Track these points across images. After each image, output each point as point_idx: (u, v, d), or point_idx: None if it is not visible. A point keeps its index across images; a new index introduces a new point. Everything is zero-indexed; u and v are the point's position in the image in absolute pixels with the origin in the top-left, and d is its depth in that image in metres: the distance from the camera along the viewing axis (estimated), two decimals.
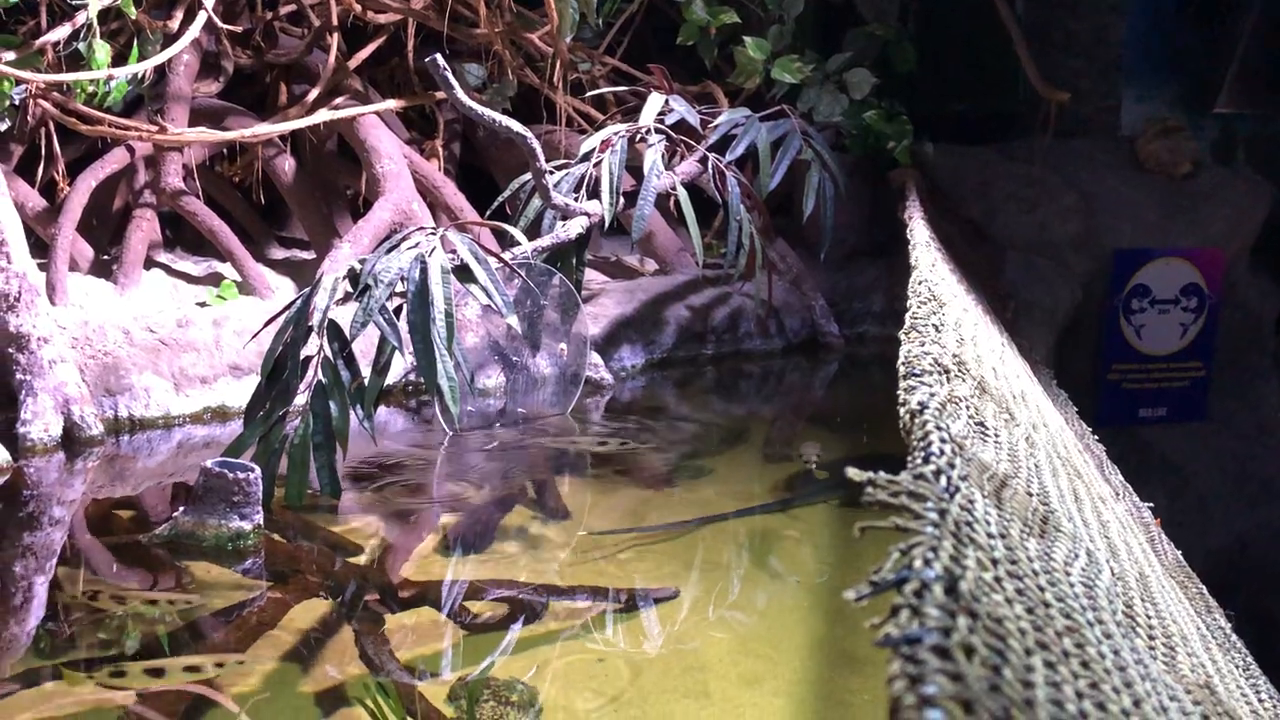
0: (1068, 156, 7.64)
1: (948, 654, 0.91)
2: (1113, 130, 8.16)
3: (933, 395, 1.70)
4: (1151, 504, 3.47)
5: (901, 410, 1.74)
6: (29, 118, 5.77)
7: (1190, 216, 7.41)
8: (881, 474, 1.32)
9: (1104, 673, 1.09)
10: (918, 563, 1.07)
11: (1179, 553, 2.98)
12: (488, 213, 5.65)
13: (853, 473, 1.36)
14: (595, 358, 5.94)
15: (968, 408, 1.86)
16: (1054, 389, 4.48)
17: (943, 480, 1.32)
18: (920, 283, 2.83)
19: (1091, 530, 1.83)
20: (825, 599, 3.65)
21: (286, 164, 6.48)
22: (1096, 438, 4.05)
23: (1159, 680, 1.32)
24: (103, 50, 5.38)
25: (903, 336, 2.28)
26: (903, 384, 1.85)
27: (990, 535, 1.27)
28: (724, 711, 2.96)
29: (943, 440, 1.45)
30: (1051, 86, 7.52)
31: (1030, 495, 1.63)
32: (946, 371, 1.99)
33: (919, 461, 1.41)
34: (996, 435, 1.81)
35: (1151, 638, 1.57)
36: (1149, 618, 1.66)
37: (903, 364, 1.97)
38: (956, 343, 2.30)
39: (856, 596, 1.08)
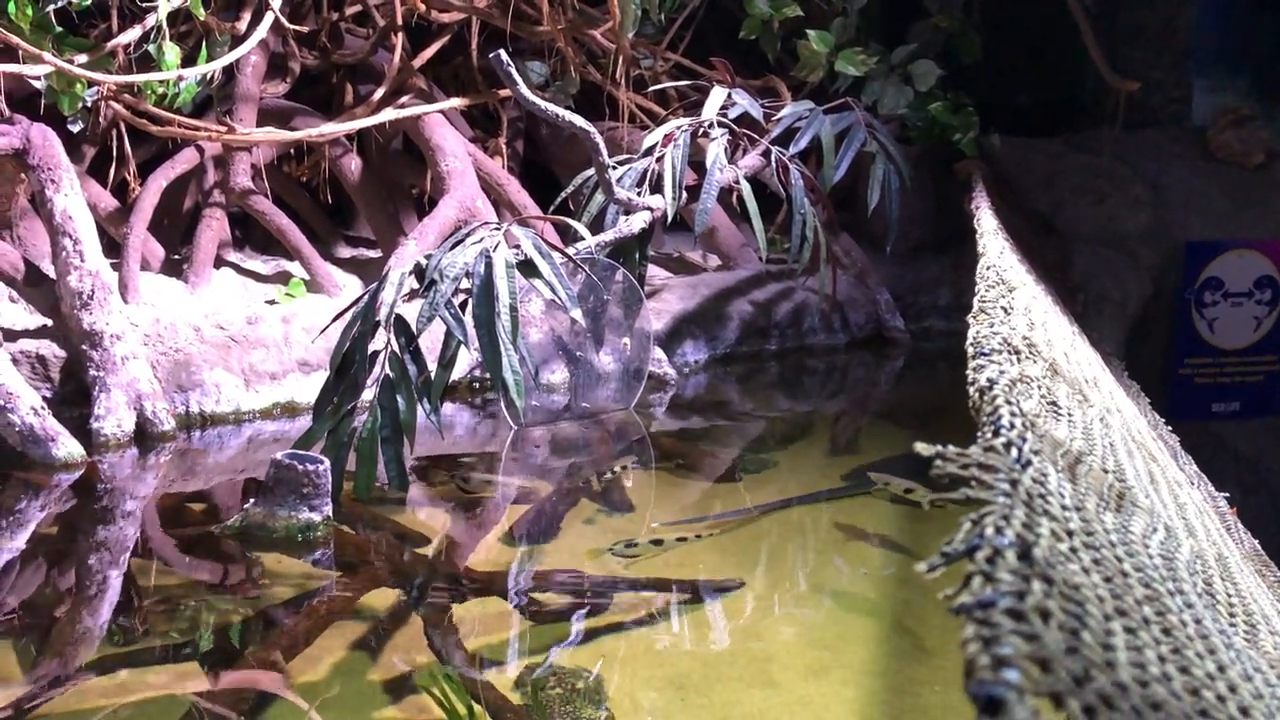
0: (1137, 148, 7.53)
1: (1022, 617, 0.89)
2: (1183, 121, 8.03)
3: (1002, 373, 1.68)
4: (1227, 494, 3.40)
5: (970, 389, 1.72)
6: (101, 119, 5.87)
7: (1263, 207, 7.27)
8: (951, 447, 1.30)
9: (1186, 639, 1.07)
10: (989, 530, 1.06)
11: (1256, 541, 2.92)
12: (551, 208, 5.67)
13: (920, 447, 1.35)
14: (658, 353, 5.93)
15: (1039, 388, 1.83)
16: (1125, 380, 4.41)
17: (1013, 452, 1.30)
18: (989, 268, 2.79)
19: (1169, 510, 1.79)
20: (891, 590, 3.62)
21: (353, 163, 6.53)
22: (1170, 429, 3.98)
23: (1242, 652, 1.29)
24: (172, 52, 5.45)
25: (971, 319, 2.25)
26: (971, 363, 1.83)
27: (1065, 507, 1.25)
28: (791, 701, 2.94)
29: (1013, 414, 1.43)
30: (1120, 77, 7.41)
31: (1106, 472, 1.60)
32: (1017, 352, 1.97)
33: (989, 435, 1.39)
34: (1070, 414, 1.78)
35: (1232, 614, 1.54)
36: (1229, 596, 1.63)
37: (971, 344, 1.95)
38: (1027, 326, 2.27)
39: (929, 567, 1.07)
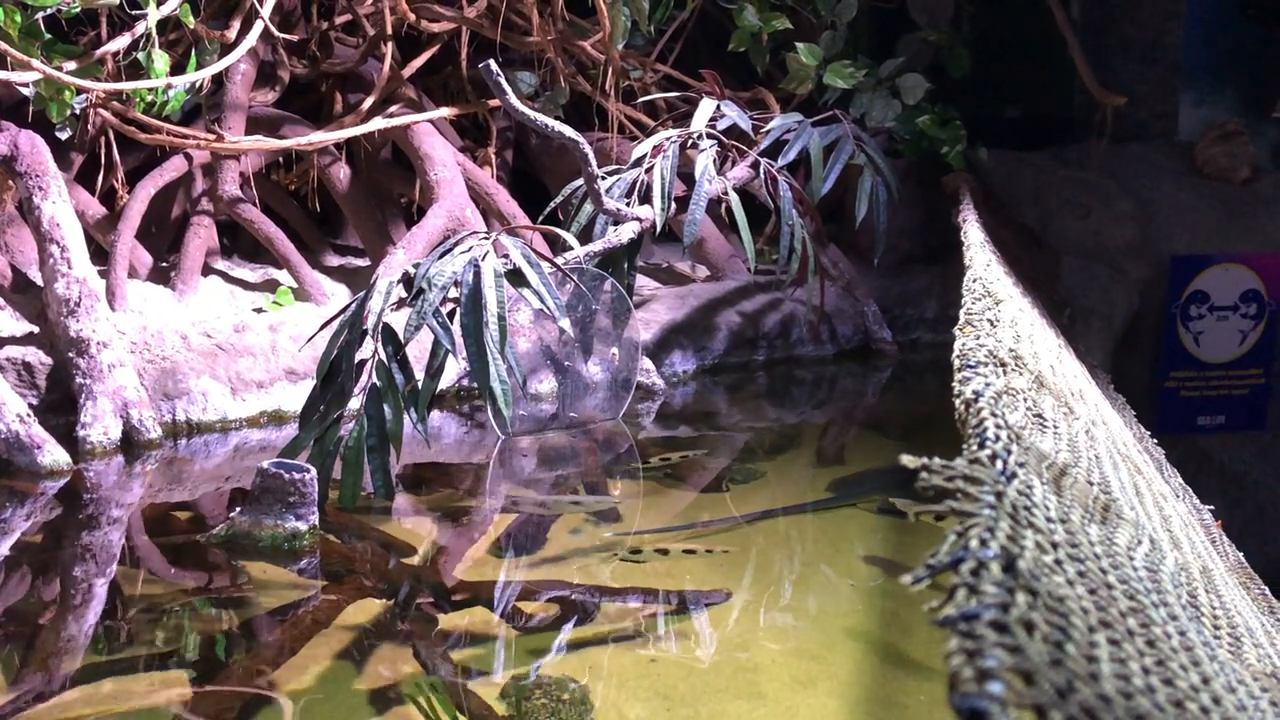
0: (1124, 162, 7.56)
1: (1006, 629, 0.90)
2: (1170, 135, 8.07)
3: (988, 385, 1.69)
4: (1212, 507, 3.41)
5: (956, 401, 1.72)
6: (89, 127, 5.86)
7: (1249, 222, 7.30)
8: (936, 459, 1.30)
9: (1170, 651, 1.07)
10: (974, 543, 1.06)
11: (1240, 554, 2.93)
12: (540, 218, 5.67)
13: (906, 459, 1.35)
14: (647, 363, 5.93)
15: (1025, 400, 1.83)
16: (1111, 393, 4.43)
17: (999, 464, 1.30)
18: (975, 280, 2.80)
19: (1154, 523, 1.80)
20: (879, 601, 3.62)
21: (342, 172, 6.53)
22: (1155, 441, 3.99)
23: (1226, 664, 1.29)
24: (161, 60, 5.44)
25: (957, 332, 2.26)
26: (957, 375, 1.83)
27: (1050, 520, 1.25)
28: (777, 713, 2.94)
29: (998, 426, 1.43)
30: (1107, 91, 7.45)
31: (1091, 484, 1.60)
32: (1003, 364, 1.97)
33: (974, 448, 1.39)
34: (1055, 426, 1.78)
35: (1217, 627, 1.54)
36: (1214, 608, 1.63)
37: (957, 356, 1.95)
38: (1013, 338, 2.28)
39: (914, 580, 1.07)
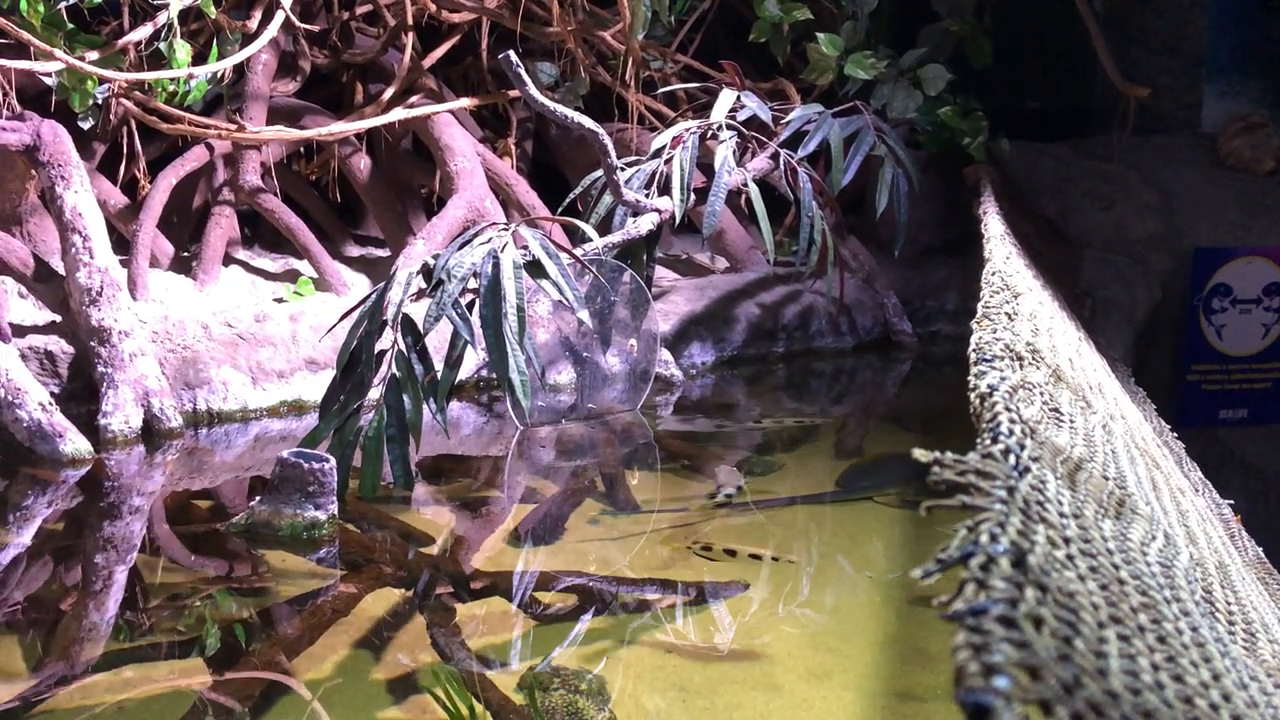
0: (1147, 154, 7.51)
1: (1014, 624, 0.90)
2: (1193, 127, 8.02)
3: (1003, 379, 1.68)
4: (1232, 501, 3.40)
5: (971, 395, 1.72)
6: (111, 116, 5.88)
7: (1273, 215, 7.25)
8: (949, 453, 1.30)
9: (1181, 648, 1.07)
10: (984, 538, 1.06)
11: (1260, 549, 2.92)
12: (560, 209, 5.67)
13: (919, 452, 1.35)
14: (665, 355, 5.93)
15: (1042, 394, 1.83)
16: (1132, 386, 4.41)
17: (1011, 459, 1.30)
18: (994, 273, 2.79)
19: (1170, 518, 1.79)
20: (896, 594, 3.62)
21: (362, 162, 6.55)
22: (1176, 435, 3.98)
23: (1239, 660, 1.29)
24: (183, 50, 5.47)
25: (974, 325, 2.25)
26: (973, 369, 1.83)
27: (1062, 515, 1.25)
28: (793, 704, 2.95)
29: (1012, 421, 1.43)
30: (1130, 82, 7.40)
31: (1106, 479, 1.60)
32: (1020, 358, 1.97)
33: (988, 442, 1.39)
34: (1072, 421, 1.78)
35: (1231, 623, 1.54)
36: (1229, 604, 1.63)
37: (974, 350, 1.95)
38: (1031, 332, 2.27)
39: (923, 574, 1.07)
